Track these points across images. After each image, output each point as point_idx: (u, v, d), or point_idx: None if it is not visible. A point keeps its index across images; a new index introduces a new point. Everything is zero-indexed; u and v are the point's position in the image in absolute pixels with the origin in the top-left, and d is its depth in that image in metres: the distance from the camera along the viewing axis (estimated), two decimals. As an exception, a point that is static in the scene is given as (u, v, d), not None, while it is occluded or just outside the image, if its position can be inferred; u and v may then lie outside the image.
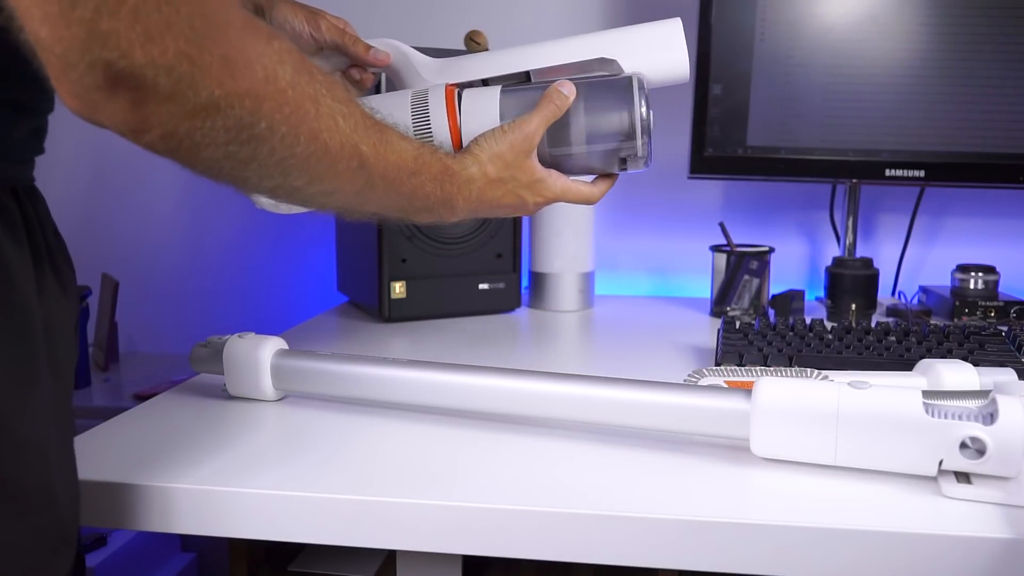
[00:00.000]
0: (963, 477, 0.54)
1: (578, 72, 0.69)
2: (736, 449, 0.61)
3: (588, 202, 0.73)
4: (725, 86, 1.13)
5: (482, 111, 0.67)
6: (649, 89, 0.68)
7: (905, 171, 1.12)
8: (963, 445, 0.52)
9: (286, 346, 0.73)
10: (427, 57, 0.74)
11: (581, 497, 0.54)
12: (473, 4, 1.35)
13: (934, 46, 1.09)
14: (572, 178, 0.70)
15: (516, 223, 1.14)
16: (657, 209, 1.36)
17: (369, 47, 0.74)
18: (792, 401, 0.56)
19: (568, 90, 0.67)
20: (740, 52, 1.12)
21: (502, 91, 0.69)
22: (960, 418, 0.53)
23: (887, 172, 1.12)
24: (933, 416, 0.53)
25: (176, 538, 1.30)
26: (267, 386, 0.72)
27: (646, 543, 0.52)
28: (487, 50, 1.11)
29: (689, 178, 1.17)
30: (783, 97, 1.13)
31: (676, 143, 1.31)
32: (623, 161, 0.68)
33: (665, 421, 0.61)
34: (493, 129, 0.67)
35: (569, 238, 1.15)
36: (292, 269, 1.45)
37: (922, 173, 1.12)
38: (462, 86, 0.70)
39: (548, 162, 0.69)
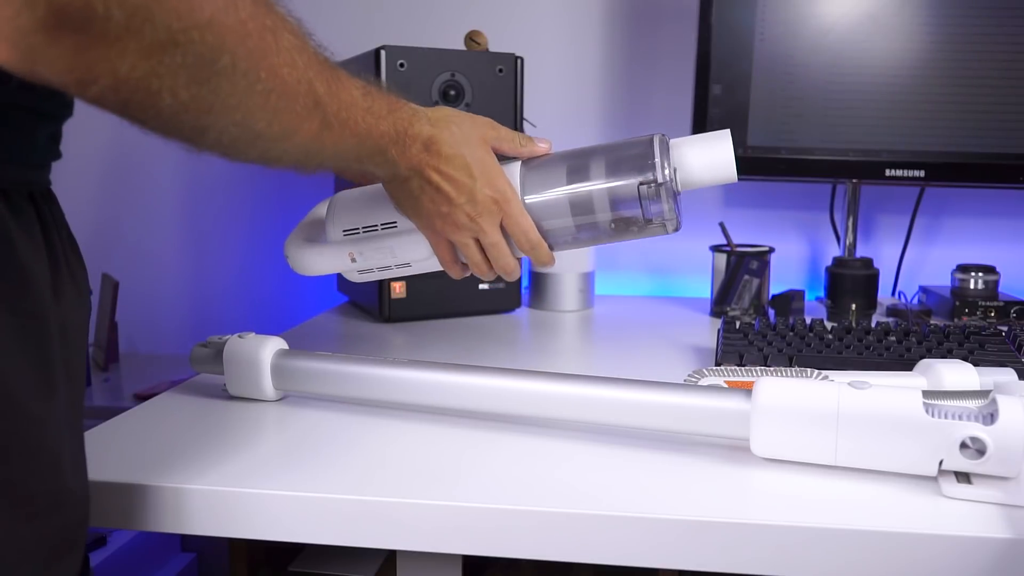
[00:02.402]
0: (963, 477, 0.54)
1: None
2: (736, 449, 0.61)
3: (537, 248, 0.69)
4: (725, 86, 1.13)
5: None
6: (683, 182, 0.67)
7: (905, 171, 1.12)
8: (963, 445, 0.52)
9: (286, 346, 0.73)
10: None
11: (581, 497, 0.54)
12: (473, 4, 1.35)
13: (934, 46, 1.09)
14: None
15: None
16: (657, 209, 1.36)
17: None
18: (792, 401, 0.56)
19: (544, 145, 0.70)
20: (740, 52, 1.12)
21: (522, 164, 0.69)
22: (960, 418, 0.53)
23: (887, 172, 1.12)
24: (933, 416, 0.53)
25: (176, 538, 1.30)
26: (267, 386, 0.71)
27: (646, 543, 0.52)
28: (487, 50, 1.12)
29: (689, 178, 1.17)
30: (783, 97, 1.13)
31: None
32: (648, 223, 0.66)
33: (665, 421, 0.61)
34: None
35: (569, 238, 1.15)
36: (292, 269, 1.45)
37: (922, 173, 1.12)
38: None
39: (568, 237, 0.68)
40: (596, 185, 0.66)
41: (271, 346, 0.72)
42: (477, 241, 0.68)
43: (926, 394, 0.56)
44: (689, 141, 0.68)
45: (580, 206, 0.66)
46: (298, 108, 0.48)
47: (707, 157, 0.67)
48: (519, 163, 0.69)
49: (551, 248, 0.69)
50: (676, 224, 0.66)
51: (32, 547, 0.45)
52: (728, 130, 0.68)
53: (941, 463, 0.53)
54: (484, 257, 0.69)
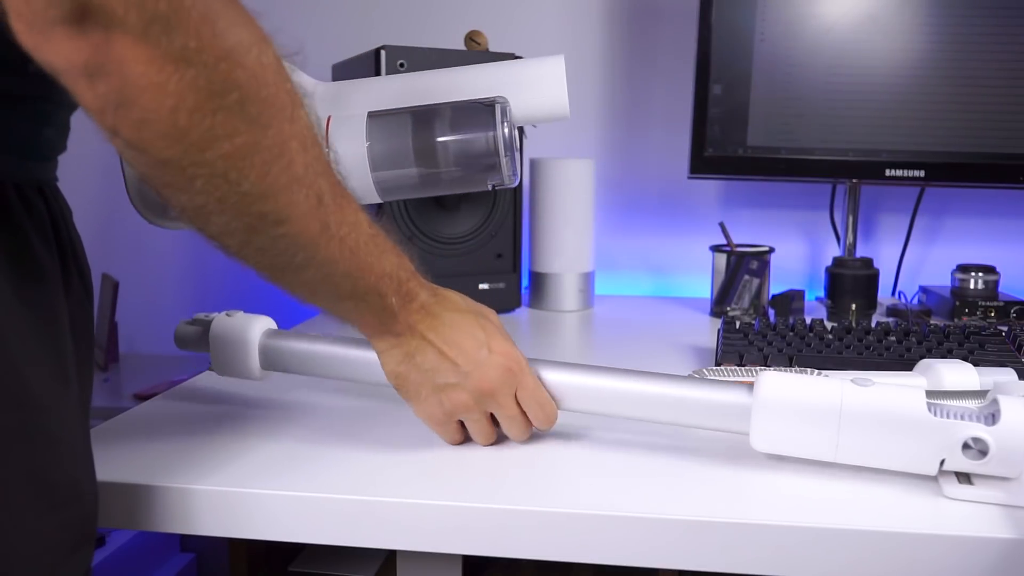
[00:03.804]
0: (964, 477, 0.54)
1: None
2: (736, 449, 0.61)
3: (547, 414, 0.61)
4: (725, 86, 1.13)
5: (350, 135, 0.67)
6: (517, 119, 0.69)
7: (905, 171, 1.12)
8: (965, 446, 0.52)
9: (275, 326, 0.72)
10: (316, 83, 0.72)
11: (581, 497, 0.54)
12: (473, 4, 1.35)
13: (934, 46, 1.09)
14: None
15: (516, 222, 1.14)
16: (657, 209, 1.36)
17: None
18: (794, 396, 0.56)
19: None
20: (740, 52, 1.12)
21: (369, 115, 0.68)
22: (963, 418, 0.53)
23: (887, 172, 1.12)
24: (936, 416, 0.53)
25: (175, 538, 1.30)
26: (254, 365, 0.69)
27: (646, 543, 0.52)
28: (487, 50, 1.12)
29: (689, 178, 1.17)
30: (783, 97, 1.13)
31: (676, 143, 1.31)
32: (489, 174, 0.68)
33: (665, 413, 0.60)
34: None
35: (569, 238, 1.15)
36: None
37: (922, 173, 1.12)
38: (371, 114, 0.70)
39: (415, 183, 0.69)
40: (440, 138, 0.67)
41: (260, 325, 0.70)
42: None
43: (929, 394, 0.55)
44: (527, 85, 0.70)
45: (424, 156, 0.68)
46: (298, 195, 0.44)
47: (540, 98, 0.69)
48: (365, 113, 0.68)
49: None
50: (512, 179, 0.68)
51: (55, 537, 0.45)
52: (561, 57, 0.69)
53: (942, 463, 0.53)
54: (492, 428, 0.62)
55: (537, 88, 0.69)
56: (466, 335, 0.58)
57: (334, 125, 0.68)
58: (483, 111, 0.66)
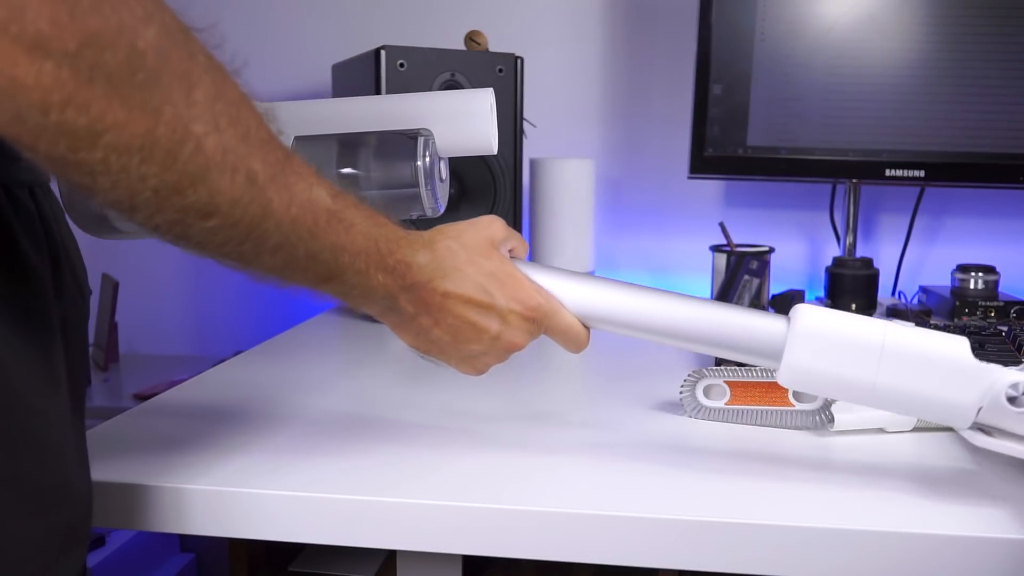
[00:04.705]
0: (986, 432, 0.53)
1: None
2: (737, 449, 0.61)
3: (578, 342, 0.60)
4: (725, 86, 1.13)
5: None
6: (443, 150, 0.68)
7: (905, 171, 1.12)
8: (1009, 397, 0.51)
9: None
10: None
11: (581, 497, 0.54)
12: (473, 4, 1.35)
13: (934, 46, 1.09)
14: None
15: (516, 222, 1.14)
16: (657, 209, 1.36)
17: None
18: (835, 328, 0.53)
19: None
20: (740, 52, 1.12)
21: (296, 139, 0.68)
22: (1006, 365, 0.52)
23: (887, 172, 1.12)
24: (980, 360, 0.52)
25: (175, 538, 1.30)
26: None
27: (646, 543, 0.52)
28: (487, 50, 1.12)
29: (689, 178, 1.17)
30: (783, 97, 1.12)
31: (676, 143, 1.31)
32: (411, 204, 0.68)
33: (693, 334, 0.57)
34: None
35: (569, 238, 1.15)
36: (292, 269, 1.45)
37: (922, 173, 1.12)
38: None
39: None
40: (363, 165, 0.67)
41: None
42: None
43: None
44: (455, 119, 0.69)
45: (347, 183, 0.67)
46: (220, 183, 0.40)
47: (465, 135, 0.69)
48: (292, 136, 0.66)
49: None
50: (435, 210, 0.67)
51: (42, 541, 0.45)
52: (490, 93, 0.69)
53: (979, 412, 0.52)
54: None
55: (465, 121, 0.69)
56: (477, 307, 0.55)
57: None
58: (406, 142, 0.66)
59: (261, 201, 0.42)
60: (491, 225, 0.58)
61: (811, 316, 0.53)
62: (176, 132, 0.37)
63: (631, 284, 0.59)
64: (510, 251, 0.60)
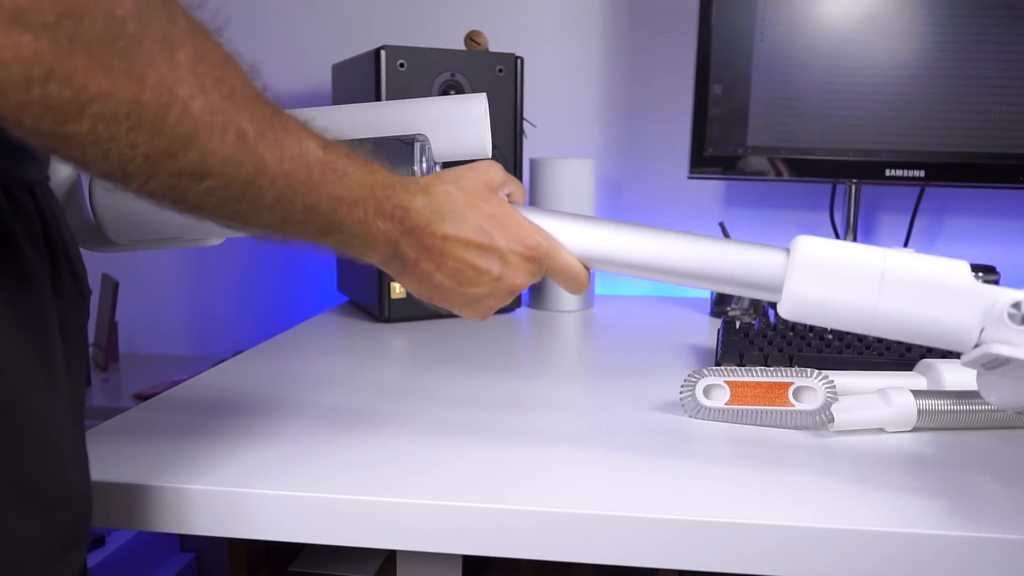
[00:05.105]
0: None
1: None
2: (737, 449, 0.61)
3: (579, 282, 0.60)
4: (725, 86, 1.13)
5: None
6: (439, 155, 0.69)
7: (905, 171, 1.12)
8: (1010, 315, 0.51)
9: None
10: None
11: (581, 497, 0.54)
12: (473, 4, 1.35)
13: (934, 46, 1.09)
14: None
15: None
16: (657, 209, 1.36)
17: None
18: (835, 256, 0.53)
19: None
20: (740, 52, 1.12)
21: None
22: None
23: (887, 172, 1.12)
24: (981, 283, 0.52)
25: (175, 538, 1.30)
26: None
27: (646, 543, 0.52)
28: (487, 50, 1.12)
29: (689, 178, 1.17)
30: (783, 97, 1.13)
31: (676, 143, 1.31)
32: None
33: (692, 269, 0.57)
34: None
35: (569, 238, 1.15)
36: (292, 269, 1.45)
37: (922, 173, 1.12)
38: None
39: None
40: None
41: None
42: None
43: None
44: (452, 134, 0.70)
45: None
46: (211, 143, 0.40)
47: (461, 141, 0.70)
48: None
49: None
50: None
51: (42, 541, 0.45)
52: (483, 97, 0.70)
53: (981, 332, 0.52)
54: None
55: (460, 126, 0.70)
56: (477, 249, 0.55)
57: None
58: (403, 148, 0.67)
59: (253, 159, 0.42)
60: (489, 169, 0.58)
61: (812, 245, 0.54)
62: (162, 97, 0.37)
63: (631, 224, 0.59)
64: (508, 195, 0.60)
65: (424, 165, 0.66)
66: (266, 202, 0.44)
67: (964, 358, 0.53)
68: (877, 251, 0.54)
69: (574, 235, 0.59)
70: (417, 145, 0.66)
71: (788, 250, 0.56)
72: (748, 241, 0.58)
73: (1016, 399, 0.54)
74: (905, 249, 0.55)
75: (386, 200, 0.51)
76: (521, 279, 0.57)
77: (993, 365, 0.52)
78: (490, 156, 0.69)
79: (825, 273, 0.53)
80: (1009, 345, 0.51)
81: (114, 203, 0.65)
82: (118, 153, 0.37)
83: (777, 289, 0.55)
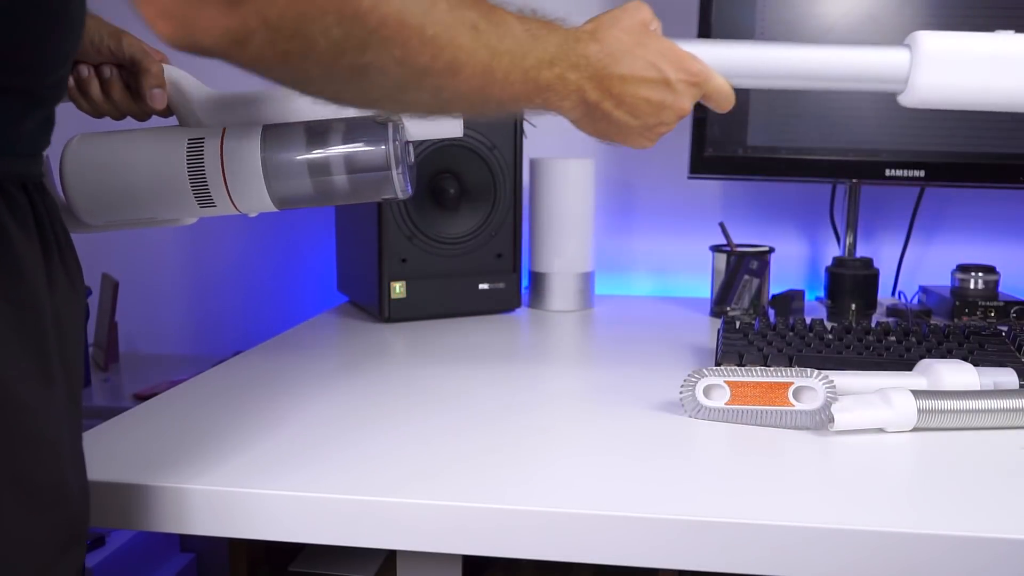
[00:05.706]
0: None
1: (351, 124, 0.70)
2: (737, 449, 0.61)
3: (730, 99, 0.65)
4: (725, 86, 1.13)
5: (246, 146, 0.67)
6: (412, 134, 0.71)
7: (905, 171, 1.12)
8: None
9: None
10: (205, 93, 0.72)
11: (581, 497, 0.54)
12: (473, 4, 1.34)
13: (934, 46, 1.09)
14: None
15: (516, 222, 1.14)
16: (657, 209, 1.36)
17: (153, 83, 0.68)
18: (953, 46, 0.62)
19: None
20: (740, 52, 1.12)
21: (264, 127, 0.68)
22: None
23: (887, 172, 1.12)
24: None
25: (175, 538, 1.30)
26: None
27: (646, 543, 0.52)
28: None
29: (689, 178, 1.17)
30: (783, 97, 1.12)
31: (676, 143, 1.31)
32: (382, 188, 0.70)
33: (823, 70, 0.64)
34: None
35: (569, 238, 1.15)
36: (292, 269, 1.45)
37: (922, 173, 1.12)
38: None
39: (310, 195, 0.69)
40: (334, 150, 0.68)
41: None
42: None
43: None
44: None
45: (318, 168, 0.68)
46: (459, 38, 0.48)
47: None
48: (260, 127, 0.69)
49: None
50: (405, 192, 0.70)
51: (42, 540, 0.45)
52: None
53: None
54: None
55: None
56: (650, 84, 0.60)
57: (229, 135, 0.68)
58: (376, 127, 0.68)
59: (488, 44, 0.50)
60: (640, 9, 0.62)
61: (933, 40, 0.62)
62: (422, 13, 0.45)
63: (758, 42, 0.66)
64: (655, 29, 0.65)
65: (398, 144, 0.68)
66: (497, 83, 0.52)
67: None
68: (987, 36, 0.62)
69: (719, 58, 0.64)
70: (391, 125, 0.68)
71: (908, 46, 0.63)
72: (865, 45, 0.65)
73: None
74: (1009, 31, 0.64)
75: (572, 52, 0.57)
76: (687, 103, 0.62)
77: None
78: (461, 135, 0.74)
79: (947, 62, 0.61)
80: None
81: (85, 185, 0.66)
82: (392, 75, 0.46)
83: (901, 81, 0.62)
